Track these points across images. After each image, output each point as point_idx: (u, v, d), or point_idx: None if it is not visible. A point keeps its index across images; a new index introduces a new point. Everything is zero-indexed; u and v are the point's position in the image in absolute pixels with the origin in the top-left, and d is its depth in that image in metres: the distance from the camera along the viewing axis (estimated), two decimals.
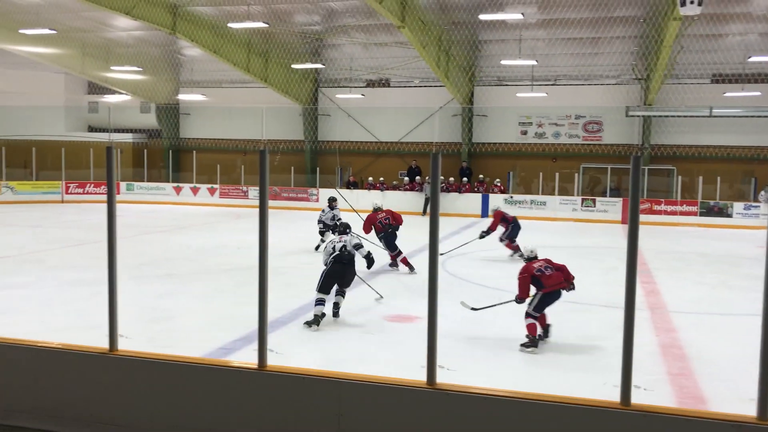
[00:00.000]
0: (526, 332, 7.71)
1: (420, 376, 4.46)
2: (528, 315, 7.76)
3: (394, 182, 26.05)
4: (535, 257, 8.15)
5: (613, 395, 4.09)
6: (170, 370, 4.89)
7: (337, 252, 8.81)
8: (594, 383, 6.27)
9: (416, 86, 26.79)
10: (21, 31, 22.21)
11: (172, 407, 4.86)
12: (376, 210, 12.91)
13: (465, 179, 24.71)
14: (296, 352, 7.40)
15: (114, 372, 5.00)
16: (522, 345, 7.69)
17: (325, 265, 8.83)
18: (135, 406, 4.94)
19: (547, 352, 7.75)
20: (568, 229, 20.52)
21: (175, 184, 27.63)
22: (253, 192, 26.00)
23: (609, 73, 24.58)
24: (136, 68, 27.08)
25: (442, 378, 4.42)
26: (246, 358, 6.15)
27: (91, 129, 30.90)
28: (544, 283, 7.79)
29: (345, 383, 4.45)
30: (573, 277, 7.98)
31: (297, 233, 17.93)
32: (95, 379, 5.07)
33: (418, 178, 25.04)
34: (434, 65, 22.41)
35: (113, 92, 29.60)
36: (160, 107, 29.57)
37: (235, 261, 13.43)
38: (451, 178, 24.74)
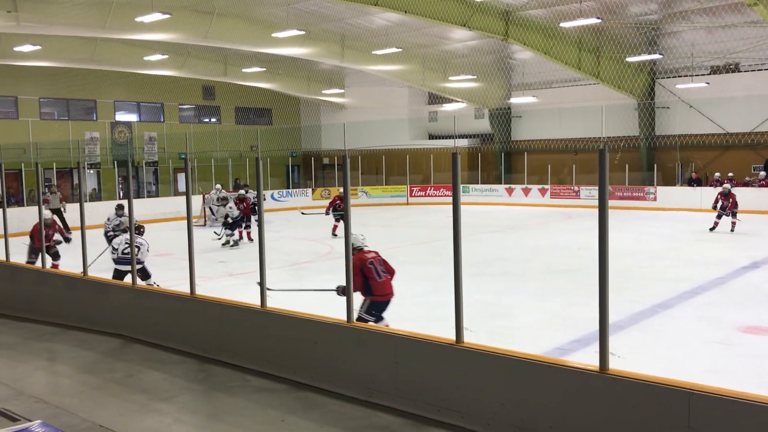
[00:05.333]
0: None
1: None
2: None
3: (747, 178, 23.35)
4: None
5: None
6: (512, 366, 5.08)
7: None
8: None
9: None
10: (374, 52, 24.96)
11: (513, 401, 5.04)
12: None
13: None
14: (638, 358, 7.08)
15: (461, 362, 5.36)
16: None
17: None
18: (479, 397, 5.24)
19: None
20: None
21: (507, 186, 28.43)
22: (585, 192, 25.52)
23: None
24: (470, 77, 28.52)
25: None
26: (583, 360, 6.12)
27: (431, 136, 33.32)
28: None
29: (697, 395, 4.16)
30: None
31: (632, 234, 17.20)
32: (444, 368, 5.49)
33: None
34: None
35: (450, 101, 31.55)
36: (492, 112, 30.69)
37: (569, 261, 13.35)
38: None
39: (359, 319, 6.97)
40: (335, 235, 17.22)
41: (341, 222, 16.84)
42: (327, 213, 17.56)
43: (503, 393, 5.10)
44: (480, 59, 27.71)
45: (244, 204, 17.10)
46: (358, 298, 6.77)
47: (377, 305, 7.21)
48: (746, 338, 7.95)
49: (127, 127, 30.68)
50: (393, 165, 31.02)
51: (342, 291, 6.50)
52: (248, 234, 17.17)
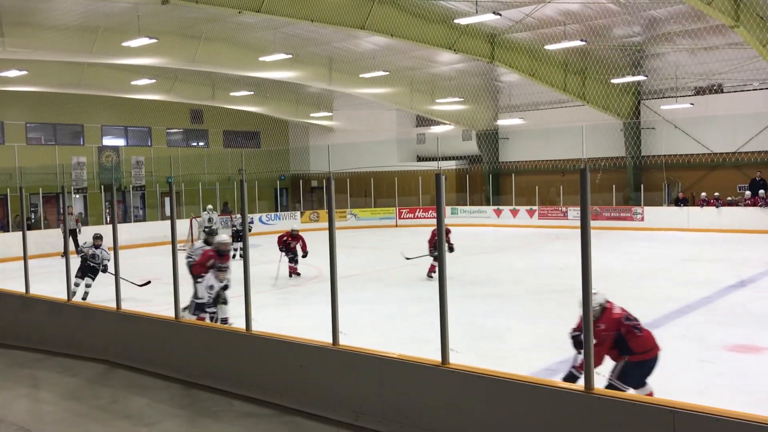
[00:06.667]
0: None
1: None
2: None
3: (729, 198, 23.55)
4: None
5: None
6: (497, 386, 5.06)
7: None
8: None
9: (755, 89, 24.01)
10: (361, 75, 25.11)
11: (499, 422, 5.01)
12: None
13: None
14: None
15: (446, 384, 5.33)
16: None
17: None
18: (465, 418, 5.20)
19: None
20: None
21: (496, 207, 28.50)
22: (573, 212, 25.64)
23: None
24: (457, 99, 28.72)
25: None
26: None
27: (419, 159, 33.43)
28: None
29: (680, 413, 4.15)
30: None
31: (620, 254, 17.27)
32: (429, 389, 5.45)
33: (762, 192, 22.31)
34: None
35: (438, 123, 31.71)
36: (480, 134, 30.85)
37: (558, 282, 13.35)
38: None
39: (611, 386, 5.32)
40: (430, 277, 14.19)
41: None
42: (431, 254, 14.49)
43: (489, 414, 5.07)
44: (467, 81, 27.91)
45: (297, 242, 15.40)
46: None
47: (642, 366, 5.65)
48: (733, 357, 7.96)
49: (114, 152, 30.61)
50: (381, 187, 31.06)
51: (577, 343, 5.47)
52: (294, 269, 15.35)
